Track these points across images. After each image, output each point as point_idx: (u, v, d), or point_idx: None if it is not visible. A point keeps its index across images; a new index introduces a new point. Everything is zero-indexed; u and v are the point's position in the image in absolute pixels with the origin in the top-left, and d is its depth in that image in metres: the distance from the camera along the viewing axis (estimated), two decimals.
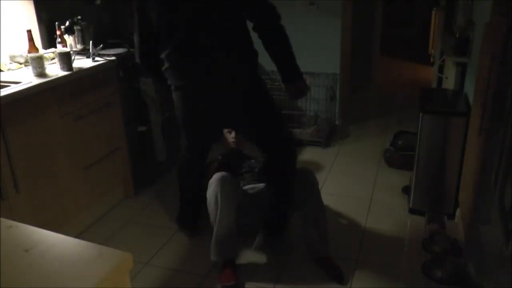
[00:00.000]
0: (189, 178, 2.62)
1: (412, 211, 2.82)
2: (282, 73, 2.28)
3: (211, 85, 2.18)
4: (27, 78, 2.35)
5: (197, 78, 2.18)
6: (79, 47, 2.94)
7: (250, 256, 2.47)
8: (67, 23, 2.88)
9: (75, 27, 2.91)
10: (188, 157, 2.52)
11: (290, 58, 2.23)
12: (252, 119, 2.27)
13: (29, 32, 2.61)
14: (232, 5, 2.11)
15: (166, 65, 2.21)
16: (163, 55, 2.19)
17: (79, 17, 2.94)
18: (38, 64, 2.41)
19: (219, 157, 2.81)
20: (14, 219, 1.08)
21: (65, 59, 2.50)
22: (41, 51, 2.72)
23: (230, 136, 2.82)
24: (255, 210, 2.51)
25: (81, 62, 2.69)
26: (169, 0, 2.08)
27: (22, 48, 2.67)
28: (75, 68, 2.56)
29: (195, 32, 2.10)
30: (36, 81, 2.30)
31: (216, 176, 2.32)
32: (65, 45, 2.86)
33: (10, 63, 2.63)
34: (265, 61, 2.34)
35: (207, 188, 2.35)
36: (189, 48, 2.14)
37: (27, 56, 2.60)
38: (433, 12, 5.33)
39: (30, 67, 2.45)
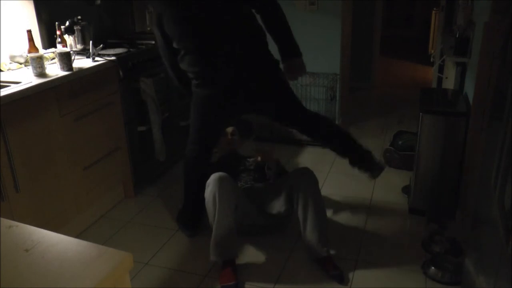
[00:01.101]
0: (195, 172, 2.64)
1: (412, 211, 2.82)
2: (281, 50, 2.41)
3: (227, 77, 2.34)
4: (27, 78, 2.35)
5: (213, 70, 2.34)
6: (79, 47, 2.94)
7: (250, 256, 2.47)
8: (67, 23, 2.88)
9: (75, 27, 2.91)
10: (196, 149, 2.57)
11: (289, 35, 2.39)
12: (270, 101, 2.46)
13: (29, 32, 2.61)
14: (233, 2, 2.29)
15: (184, 62, 2.35)
16: (179, 56, 2.36)
17: (79, 17, 2.94)
18: (38, 64, 2.41)
19: (217, 159, 2.81)
20: (14, 219, 1.08)
21: (65, 59, 2.50)
22: (41, 51, 2.72)
23: (228, 138, 2.82)
24: (254, 210, 2.51)
25: (81, 62, 2.69)
26: (177, 10, 2.26)
27: (22, 48, 2.67)
28: (75, 68, 2.56)
29: (204, 30, 2.25)
30: (36, 81, 2.30)
31: (213, 177, 2.32)
32: (65, 45, 2.87)
33: (10, 63, 2.63)
34: None
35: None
36: (201, 45, 2.30)
37: (27, 56, 2.60)
38: (433, 12, 5.33)
39: (30, 67, 2.45)
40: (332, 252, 2.40)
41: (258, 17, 2.38)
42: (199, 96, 2.43)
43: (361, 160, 2.60)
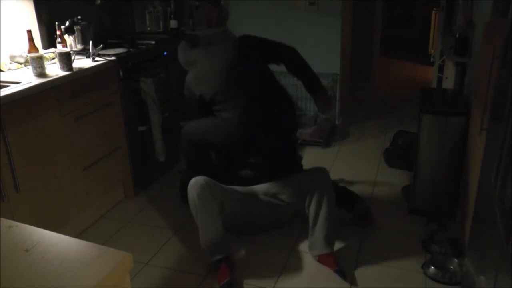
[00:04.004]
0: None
1: (412, 211, 2.82)
2: (308, 86, 2.67)
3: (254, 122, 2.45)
4: (27, 78, 2.35)
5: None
6: (79, 47, 2.94)
7: (251, 256, 2.47)
8: (67, 23, 2.88)
9: (75, 27, 2.91)
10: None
11: (313, 74, 2.65)
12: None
13: (29, 32, 2.61)
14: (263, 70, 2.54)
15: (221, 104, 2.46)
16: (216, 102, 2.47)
17: (79, 17, 2.94)
18: (38, 64, 2.41)
19: (220, 161, 2.80)
20: (14, 219, 1.08)
21: (65, 59, 2.50)
22: (41, 51, 2.72)
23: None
24: (255, 208, 2.52)
25: (81, 62, 2.69)
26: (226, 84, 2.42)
27: (22, 48, 2.67)
28: (75, 68, 2.56)
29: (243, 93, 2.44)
30: (36, 81, 2.30)
31: (192, 182, 2.34)
32: (65, 45, 2.87)
33: (10, 63, 2.63)
34: None
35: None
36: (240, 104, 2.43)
37: (27, 56, 2.60)
38: (433, 12, 5.33)
39: (30, 67, 2.45)
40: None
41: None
42: (226, 119, 2.47)
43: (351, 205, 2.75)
